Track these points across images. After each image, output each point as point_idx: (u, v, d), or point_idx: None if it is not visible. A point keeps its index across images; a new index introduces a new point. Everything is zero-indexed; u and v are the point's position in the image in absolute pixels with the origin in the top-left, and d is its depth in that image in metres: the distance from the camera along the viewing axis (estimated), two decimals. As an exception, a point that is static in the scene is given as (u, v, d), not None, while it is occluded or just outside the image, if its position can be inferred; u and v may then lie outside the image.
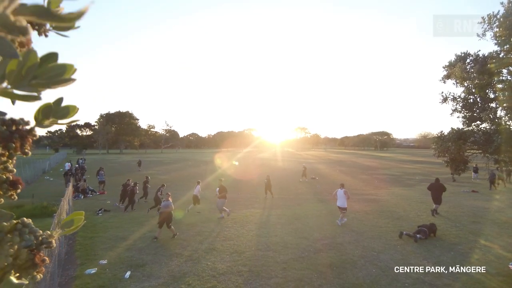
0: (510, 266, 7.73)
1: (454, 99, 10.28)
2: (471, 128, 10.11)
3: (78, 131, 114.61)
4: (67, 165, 31.84)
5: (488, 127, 10.02)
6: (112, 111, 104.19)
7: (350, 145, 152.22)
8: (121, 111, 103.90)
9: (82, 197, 18.77)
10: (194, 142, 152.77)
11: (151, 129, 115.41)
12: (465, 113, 10.32)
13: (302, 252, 8.97)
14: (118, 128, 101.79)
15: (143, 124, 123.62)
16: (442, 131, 10.22)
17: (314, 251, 9.02)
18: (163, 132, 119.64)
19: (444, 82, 10.17)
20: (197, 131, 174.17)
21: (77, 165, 31.54)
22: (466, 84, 9.10)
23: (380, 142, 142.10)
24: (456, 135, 9.67)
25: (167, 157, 70.91)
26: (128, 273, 7.40)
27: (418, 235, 9.92)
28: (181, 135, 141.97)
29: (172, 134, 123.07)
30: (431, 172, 34.87)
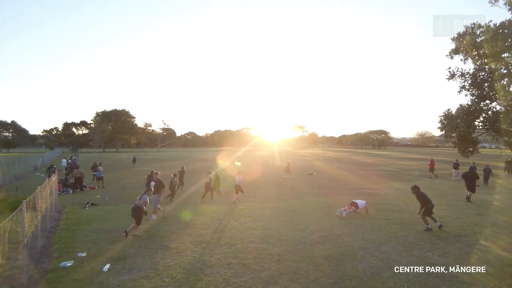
0: None
1: (462, 75, 9.62)
2: (480, 106, 9.46)
3: (74, 130, 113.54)
4: (64, 161, 31.30)
5: (499, 106, 9.41)
6: (108, 109, 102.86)
7: (348, 143, 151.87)
8: (118, 109, 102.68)
9: (71, 191, 18.09)
10: (191, 141, 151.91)
11: (148, 128, 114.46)
12: (474, 91, 9.66)
13: (297, 244, 8.37)
14: (115, 126, 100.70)
15: (139, 122, 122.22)
16: (449, 109, 9.58)
17: (311, 243, 8.42)
18: (160, 131, 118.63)
19: (452, 58, 9.52)
20: (194, 130, 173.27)
21: (70, 161, 30.84)
22: (476, 55, 8.43)
23: (378, 140, 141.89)
24: (466, 111, 9.01)
25: (163, 155, 70.22)
26: (107, 266, 6.77)
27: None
28: (178, 134, 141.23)
29: (169, 133, 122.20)
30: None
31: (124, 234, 8.91)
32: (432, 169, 25.40)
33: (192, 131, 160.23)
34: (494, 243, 8.45)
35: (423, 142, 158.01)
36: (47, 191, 9.97)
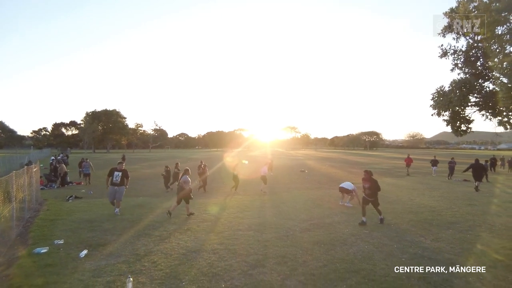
0: None
1: (454, 52, 9.39)
2: (474, 84, 9.27)
3: (64, 130, 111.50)
4: (52, 158, 30.63)
5: (492, 86, 9.23)
6: (99, 109, 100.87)
7: (340, 145, 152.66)
8: (108, 109, 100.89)
9: (56, 186, 17.51)
10: (183, 142, 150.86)
11: (139, 128, 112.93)
12: (467, 70, 9.46)
13: (287, 231, 8.07)
14: (105, 126, 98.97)
15: (131, 123, 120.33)
16: (442, 85, 9.33)
17: (300, 231, 8.13)
18: (151, 132, 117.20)
19: (444, 36, 9.25)
20: (186, 131, 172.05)
21: (59, 157, 30.09)
22: (471, 25, 8.24)
23: (370, 142, 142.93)
24: (459, 85, 8.77)
25: (154, 155, 69.31)
26: (84, 252, 6.35)
27: None
28: (170, 135, 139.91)
29: (161, 134, 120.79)
30: (420, 166, 34.68)
31: (168, 214, 9.57)
32: (408, 165, 25.34)
33: (184, 132, 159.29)
34: (489, 229, 8.29)
35: (414, 143, 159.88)
36: (25, 179, 9.47)
